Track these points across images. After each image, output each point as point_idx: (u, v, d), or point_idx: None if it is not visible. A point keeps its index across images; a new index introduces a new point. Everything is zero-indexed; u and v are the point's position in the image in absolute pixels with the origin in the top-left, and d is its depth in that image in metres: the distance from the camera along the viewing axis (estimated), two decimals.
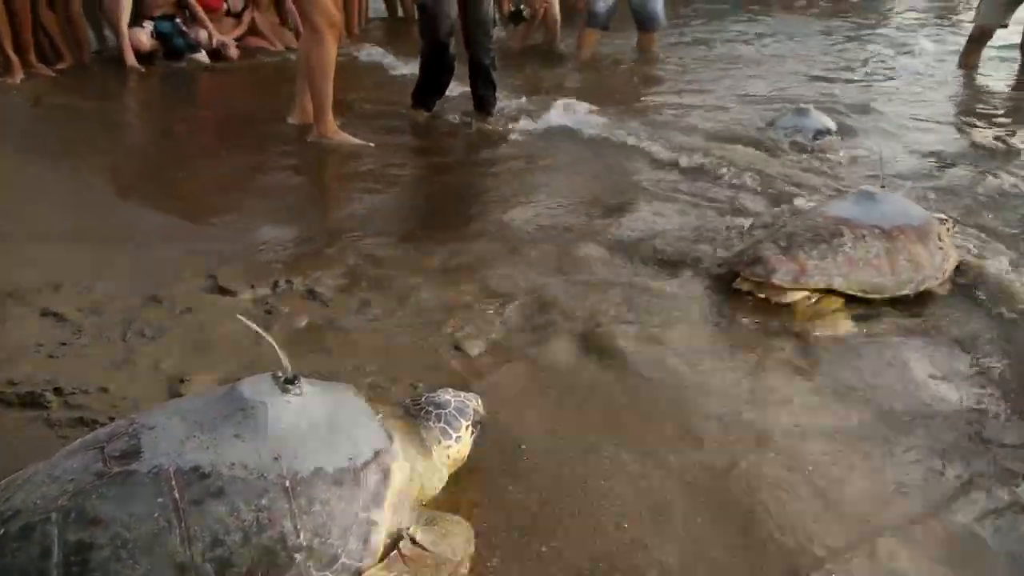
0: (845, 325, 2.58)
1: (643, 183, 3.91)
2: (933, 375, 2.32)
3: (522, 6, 6.41)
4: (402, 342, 2.44)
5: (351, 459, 1.45)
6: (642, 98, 5.67)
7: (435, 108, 5.10)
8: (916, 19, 9.65)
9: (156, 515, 1.30)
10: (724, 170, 3.98)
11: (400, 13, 9.25)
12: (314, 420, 1.46)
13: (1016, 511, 1.80)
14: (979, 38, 6.45)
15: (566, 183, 3.91)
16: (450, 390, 1.84)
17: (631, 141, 4.40)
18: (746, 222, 3.30)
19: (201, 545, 1.30)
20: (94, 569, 1.26)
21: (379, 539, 1.45)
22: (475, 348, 2.40)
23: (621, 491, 1.82)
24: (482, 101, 5.03)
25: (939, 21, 9.47)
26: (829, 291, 2.66)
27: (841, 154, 4.35)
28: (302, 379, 1.51)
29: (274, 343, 1.52)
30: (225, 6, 7.18)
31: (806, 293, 2.65)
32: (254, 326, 1.56)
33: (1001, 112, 5.48)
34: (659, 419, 2.09)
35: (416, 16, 5.06)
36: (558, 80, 6.09)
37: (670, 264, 2.99)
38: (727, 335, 2.53)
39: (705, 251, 3.05)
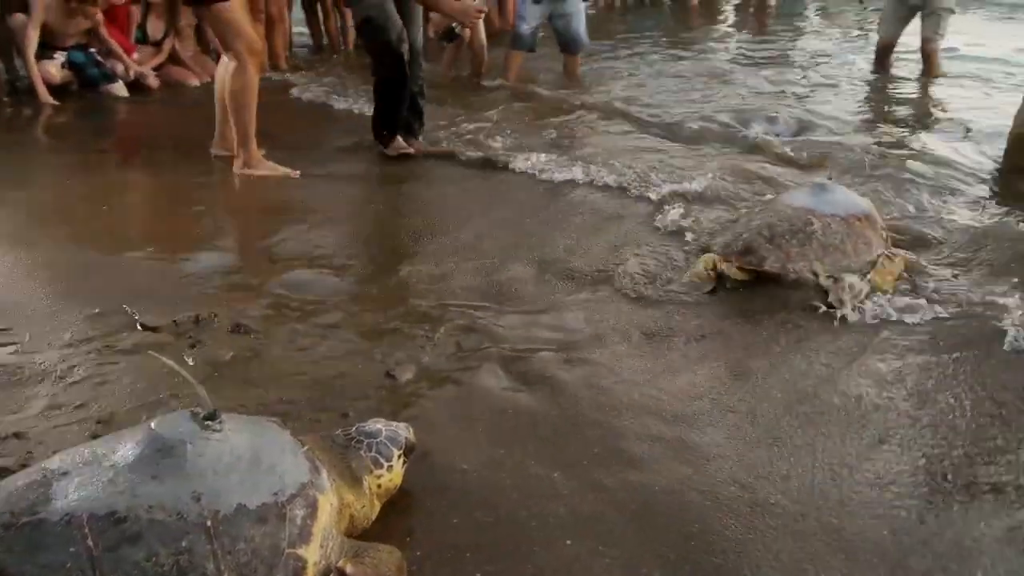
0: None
1: (571, 204, 3.95)
2: (867, 385, 2.34)
3: (454, 24, 6.44)
4: (331, 371, 2.41)
5: (275, 494, 1.42)
6: (568, 120, 5.74)
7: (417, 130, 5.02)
8: (834, 29, 10.10)
9: (68, 565, 1.25)
10: (653, 184, 4.04)
11: (325, 40, 9.19)
12: (236, 456, 1.43)
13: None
14: (884, 49, 7.11)
15: (493, 208, 3.92)
16: (381, 420, 1.83)
17: (559, 164, 4.43)
18: (669, 232, 3.43)
19: None
20: None
21: (307, 575, 1.41)
22: (405, 374, 2.37)
23: (556, 514, 1.81)
24: (409, 128, 5.01)
25: (857, 29, 9.92)
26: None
27: (805, 154, 4.63)
28: (222, 414, 1.47)
29: (192, 379, 1.48)
30: (135, 53, 6.98)
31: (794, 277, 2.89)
32: (169, 362, 1.52)
33: (907, 108, 5.99)
34: (592, 440, 2.09)
35: (358, 38, 4.84)
36: (485, 105, 6.12)
37: (599, 283, 3.02)
38: (658, 354, 2.55)
39: (632, 268, 3.09)
